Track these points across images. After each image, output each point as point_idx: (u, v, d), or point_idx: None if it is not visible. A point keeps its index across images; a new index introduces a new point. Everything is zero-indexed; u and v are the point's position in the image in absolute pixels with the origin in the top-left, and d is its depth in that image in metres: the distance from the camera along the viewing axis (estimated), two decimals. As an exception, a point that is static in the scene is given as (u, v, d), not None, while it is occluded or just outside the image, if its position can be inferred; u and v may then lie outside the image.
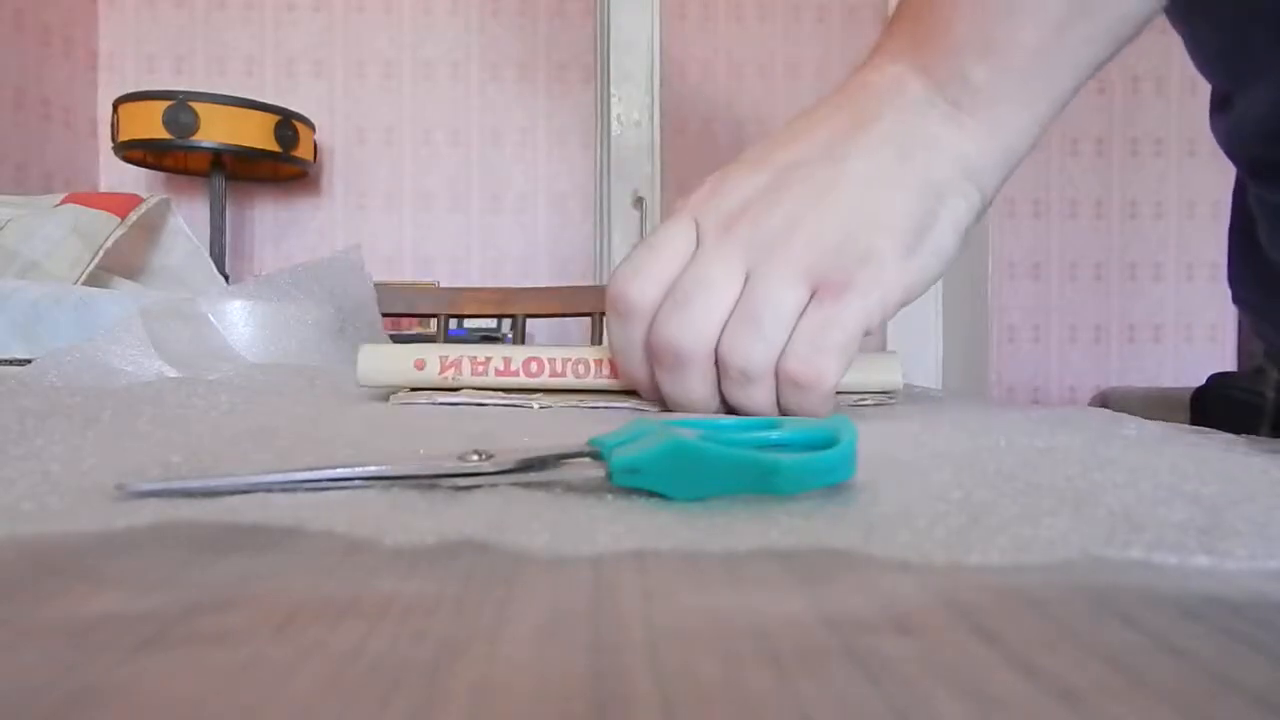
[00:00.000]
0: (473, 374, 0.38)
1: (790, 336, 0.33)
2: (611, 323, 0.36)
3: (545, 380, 0.38)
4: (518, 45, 2.45)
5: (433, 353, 0.38)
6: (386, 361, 0.38)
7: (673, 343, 0.34)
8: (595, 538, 0.15)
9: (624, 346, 0.36)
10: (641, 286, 0.35)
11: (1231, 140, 0.48)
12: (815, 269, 0.33)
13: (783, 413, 0.34)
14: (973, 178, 0.36)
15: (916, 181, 0.35)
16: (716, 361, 0.34)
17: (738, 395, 0.34)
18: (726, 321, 0.34)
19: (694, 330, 0.34)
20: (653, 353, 0.35)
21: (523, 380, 0.38)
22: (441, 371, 0.38)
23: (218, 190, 2.08)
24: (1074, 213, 2.53)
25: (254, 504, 0.17)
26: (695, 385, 0.35)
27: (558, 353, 0.39)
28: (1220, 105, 0.48)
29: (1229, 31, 0.44)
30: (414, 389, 0.39)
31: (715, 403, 0.35)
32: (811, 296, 0.33)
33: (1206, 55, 0.47)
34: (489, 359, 0.38)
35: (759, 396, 0.34)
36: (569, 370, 0.38)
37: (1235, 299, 0.54)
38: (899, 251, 0.34)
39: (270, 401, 0.35)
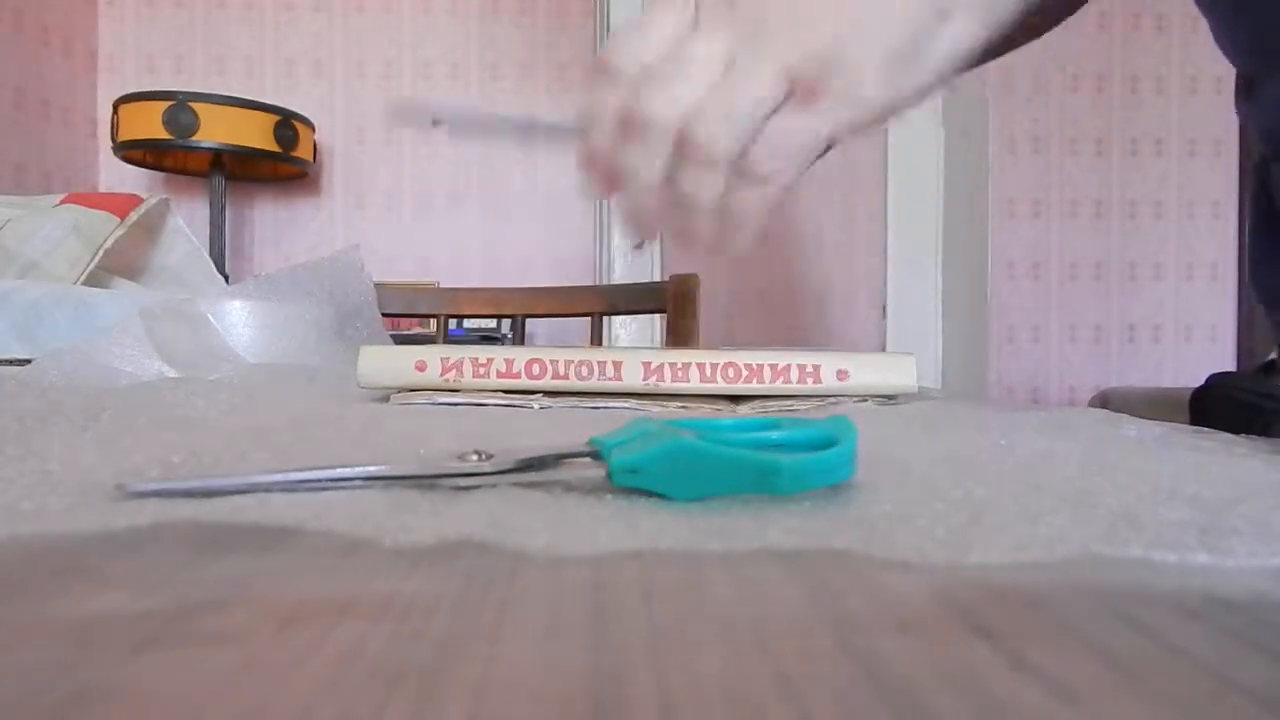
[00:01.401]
0: (474, 376, 0.38)
1: (755, 128, 0.33)
2: (595, 88, 0.36)
3: (547, 382, 0.38)
4: (518, 45, 2.45)
5: (434, 354, 0.38)
6: (387, 362, 0.38)
7: (642, 110, 0.34)
8: (595, 538, 0.15)
9: (592, 109, 0.35)
10: (626, 54, 0.35)
11: (1262, 126, 0.47)
12: (796, 68, 0.33)
13: (723, 215, 0.35)
14: (985, 3, 0.35)
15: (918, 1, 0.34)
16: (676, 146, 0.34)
17: (688, 181, 0.34)
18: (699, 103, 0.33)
19: (664, 100, 0.33)
20: (620, 123, 0.35)
21: (525, 382, 0.38)
22: (443, 373, 0.38)
23: (217, 190, 2.08)
24: (1074, 213, 2.53)
25: (254, 504, 0.17)
26: (648, 160, 0.34)
27: (560, 354, 0.38)
28: (1247, 89, 0.47)
29: (1259, 12, 0.44)
30: (414, 389, 0.39)
31: (655, 186, 0.35)
32: (787, 94, 0.33)
33: (1235, 38, 0.47)
34: (490, 361, 0.38)
35: (708, 184, 0.34)
36: (571, 372, 0.38)
37: (1260, 299, 0.53)
38: (884, 67, 0.34)
39: (270, 401, 0.35)
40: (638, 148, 0.34)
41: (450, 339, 1.20)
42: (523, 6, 2.45)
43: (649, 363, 0.38)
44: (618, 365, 0.38)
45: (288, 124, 2.04)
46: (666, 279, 1.21)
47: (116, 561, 0.13)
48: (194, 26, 2.40)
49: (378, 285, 0.73)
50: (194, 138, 1.93)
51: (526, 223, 2.48)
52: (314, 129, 2.19)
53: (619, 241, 2.47)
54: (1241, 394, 0.54)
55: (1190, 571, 0.14)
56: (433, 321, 1.18)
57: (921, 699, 0.09)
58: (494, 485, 0.19)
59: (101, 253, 0.81)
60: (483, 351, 0.38)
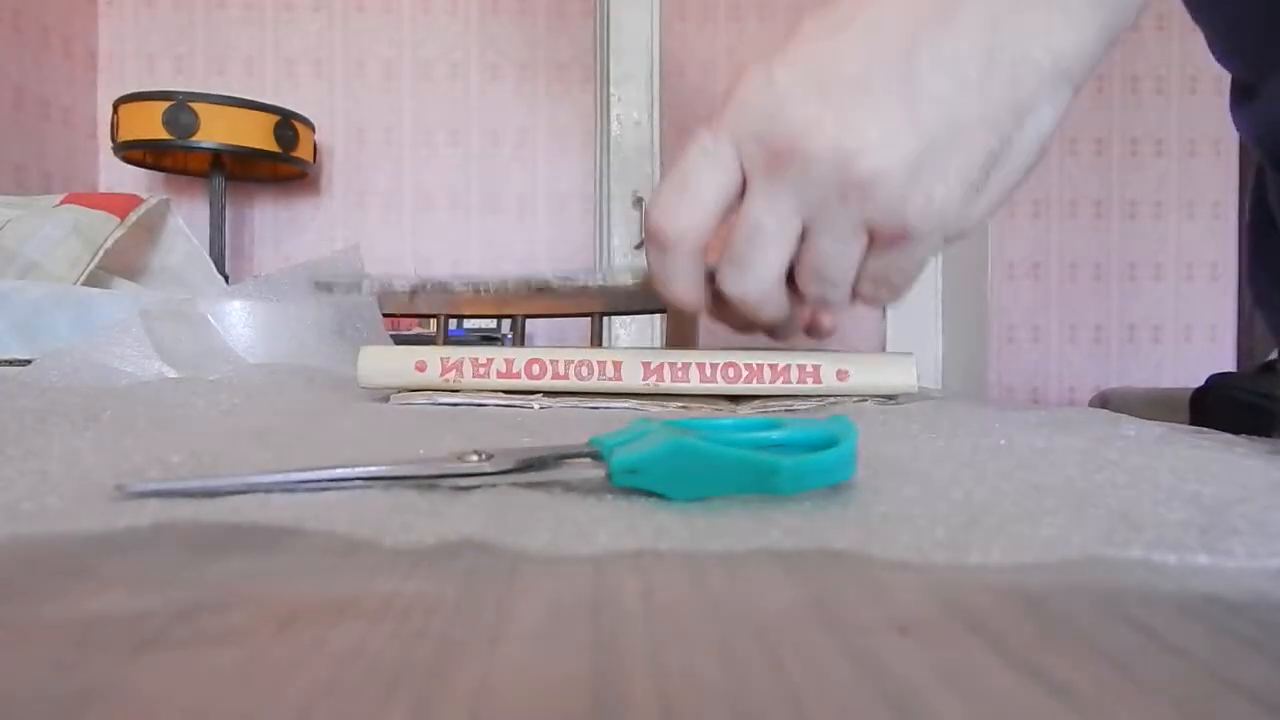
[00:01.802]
0: (474, 376, 0.38)
1: (856, 276, 0.34)
2: (652, 254, 0.35)
3: (547, 383, 0.38)
4: (518, 45, 2.45)
5: (434, 354, 0.38)
6: (387, 363, 0.38)
7: (740, 297, 0.35)
8: (595, 538, 0.15)
9: (669, 276, 0.35)
10: (681, 220, 0.34)
11: (1257, 131, 0.47)
12: (873, 221, 0.32)
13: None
14: (1066, 75, 0.31)
15: (997, 107, 0.30)
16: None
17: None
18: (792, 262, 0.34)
19: (758, 285, 0.34)
20: (720, 298, 0.36)
21: (525, 383, 0.38)
22: (443, 373, 0.38)
23: (217, 190, 2.08)
24: (1074, 213, 2.53)
25: (254, 504, 0.17)
26: (769, 315, 0.36)
27: (560, 354, 0.38)
28: (1244, 95, 0.47)
29: (1256, 18, 0.43)
30: (414, 389, 0.39)
31: (785, 313, 0.37)
32: (871, 239, 0.33)
33: (1229, 44, 0.47)
34: (490, 361, 0.38)
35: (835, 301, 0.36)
36: (572, 373, 0.38)
37: (1256, 302, 0.53)
38: (963, 194, 0.31)
39: (270, 401, 0.35)
40: (751, 313, 0.36)
41: (450, 339, 1.20)
42: (523, 6, 2.45)
43: (649, 363, 0.38)
44: (618, 365, 0.38)
45: (288, 124, 2.04)
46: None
47: (116, 561, 0.13)
48: (194, 26, 2.39)
49: (378, 285, 0.73)
50: (194, 138, 1.93)
51: (526, 223, 2.48)
52: (314, 129, 2.19)
53: (619, 242, 2.47)
54: (1241, 394, 0.54)
55: (1190, 571, 0.14)
56: (432, 322, 1.18)
57: (921, 699, 0.09)
58: (494, 485, 0.19)
59: (101, 253, 0.81)
60: (483, 352, 0.38)
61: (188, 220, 0.95)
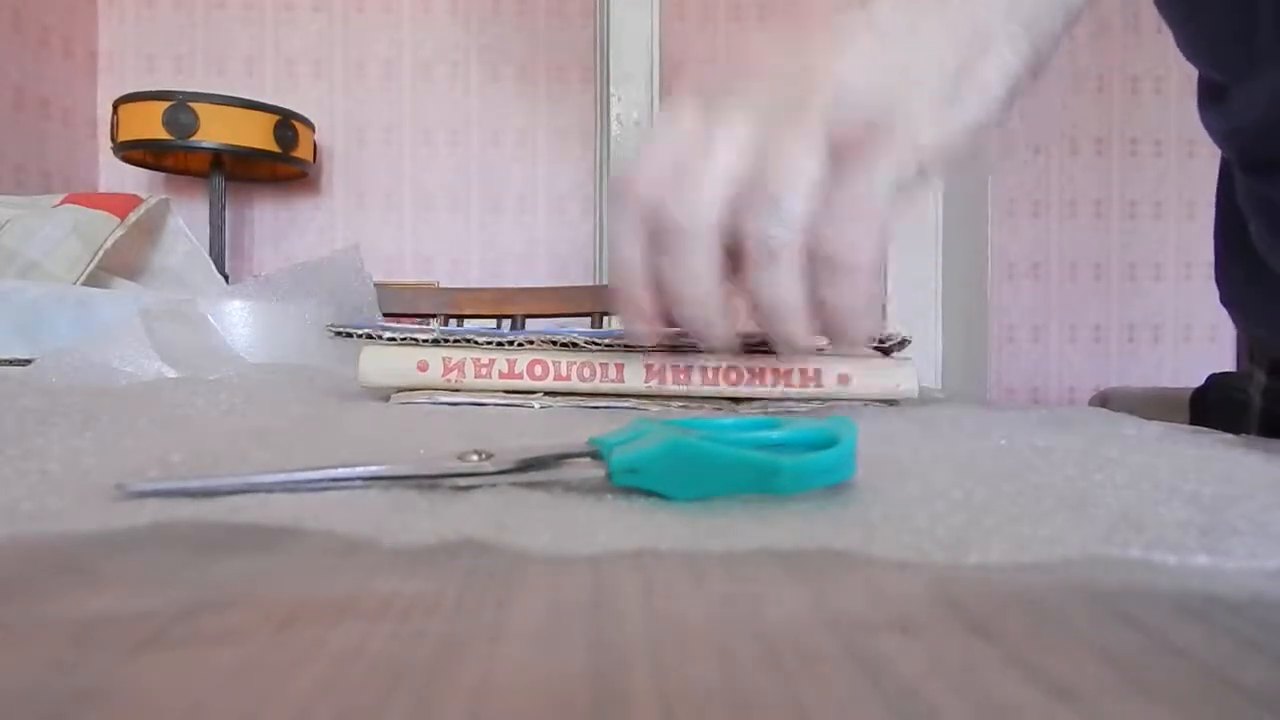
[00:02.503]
0: (476, 376, 0.38)
1: (814, 209, 0.29)
2: (612, 220, 0.32)
3: (550, 384, 0.38)
4: (517, 45, 2.45)
5: (436, 355, 0.38)
6: (388, 362, 0.38)
7: (670, 217, 0.29)
8: (595, 538, 0.15)
9: (619, 234, 0.31)
10: (643, 170, 0.31)
11: (1225, 133, 0.47)
12: (835, 124, 0.29)
13: (824, 311, 0.30)
14: (1026, 23, 0.31)
15: (955, 22, 0.30)
16: (730, 249, 0.30)
17: (762, 285, 0.30)
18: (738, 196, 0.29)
19: (692, 200, 0.29)
20: (653, 240, 0.30)
21: (527, 383, 0.38)
22: (445, 374, 0.38)
23: (217, 190, 2.08)
24: (1073, 213, 2.53)
25: (254, 504, 0.17)
26: (697, 266, 0.30)
27: (562, 355, 0.38)
28: (1214, 97, 0.47)
29: (1227, 21, 0.43)
30: (415, 389, 0.39)
31: (717, 291, 0.30)
32: (835, 158, 0.29)
33: (1199, 45, 0.46)
34: (493, 361, 0.38)
35: (785, 282, 0.29)
36: (574, 374, 0.38)
37: (1224, 299, 0.53)
38: (933, 98, 0.30)
39: (270, 401, 0.35)
40: (678, 260, 0.30)
41: (450, 339, 1.20)
42: (522, 6, 2.45)
43: (651, 365, 0.38)
44: (619, 367, 0.38)
45: (288, 124, 2.04)
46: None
47: (116, 561, 0.13)
48: (194, 26, 2.39)
49: (378, 285, 0.73)
50: (194, 138, 1.93)
51: (526, 223, 2.48)
52: (314, 129, 2.19)
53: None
54: (1241, 394, 0.54)
55: (1190, 572, 0.14)
56: (432, 322, 1.18)
57: (921, 699, 0.09)
58: (494, 485, 0.19)
59: (101, 253, 0.81)
60: (485, 352, 0.38)
61: (188, 220, 0.95)
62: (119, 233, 0.84)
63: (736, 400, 0.39)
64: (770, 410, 0.38)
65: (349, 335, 0.38)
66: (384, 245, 2.43)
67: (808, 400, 0.39)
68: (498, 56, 2.45)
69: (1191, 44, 0.47)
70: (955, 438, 0.28)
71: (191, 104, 1.92)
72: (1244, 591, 0.13)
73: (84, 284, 0.78)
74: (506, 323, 1.20)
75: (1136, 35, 2.43)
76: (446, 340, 0.38)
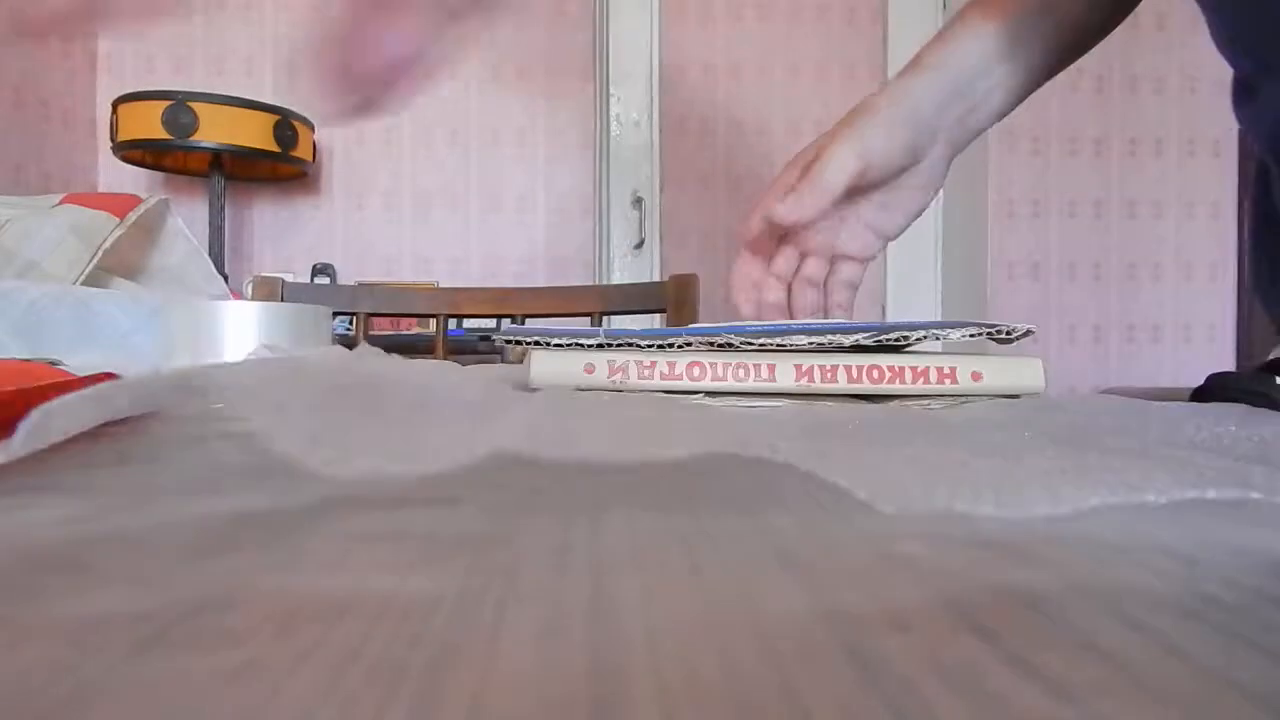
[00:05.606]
0: (639, 378, 0.40)
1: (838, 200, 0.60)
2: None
3: (707, 384, 0.41)
4: (517, 46, 2.45)
5: (601, 358, 0.41)
6: (557, 365, 0.41)
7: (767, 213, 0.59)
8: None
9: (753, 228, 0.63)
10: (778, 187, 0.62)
11: (1260, 129, 0.47)
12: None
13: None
14: (933, 138, 0.63)
15: (903, 141, 0.64)
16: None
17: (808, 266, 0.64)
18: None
19: (776, 198, 0.60)
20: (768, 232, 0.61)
21: (686, 384, 0.41)
22: (610, 375, 0.40)
23: (217, 190, 2.08)
24: (1073, 213, 2.53)
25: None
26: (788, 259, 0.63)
27: (718, 358, 0.41)
28: (1247, 91, 0.47)
29: (1260, 16, 0.43)
30: (584, 389, 0.41)
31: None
32: (861, 174, 0.60)
33: (1236, 31, 0.46)
34: (654, 364, 0.41)
35: (814, 266, 0.64)
36: (729, 374, 0.41)
37: (1263, 301, 0.53)
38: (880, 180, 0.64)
39: (457, 385, 0.38)
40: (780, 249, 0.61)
41: (449, 339, 1.20)
42: (522, 6, 2.45)
43: (800, 365, 0.41)
44: (771, 368, 0.41)
45: (287, 124, 2.04)
46: (666, 279, 1.21)
47: (116, 561, 0.13)
48: (194, 26, 2.39)
49: (378, 285, 0.73)
50: (193, 138, 1.93)
51: (526, 223, 2.48)
52: (313, 129, 2.19)
53: (618, 242, 2.47)
54: (1241, 394, 0.54)
55: (1190, 571, 0.14)
56: (432, 321, 1.18)
57: (921, 699, 0.09)
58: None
59: (101, 253, 0.81)
60: (648, 355, 0.41)
61: (187, 220, 0.95)
62: (118, 233, 0.84)
63: (877, 397, 0.41)
64: (909, 407, 0.39)
65: (518, 344, 0.42)
66: (383, 245, 2.43)
67: (943, 396, 0.41)
68: (497, 56, 2.45)
69: (1228, 30, 0.46)
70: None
71: (191, 104, 1.92)
72: (1244, 591, 0.13)
73: (83, 284, 0.78)
74: (506, 323, 1.20)
75: (1137, 35, 2.43)
76: (610, 344, 0.41)
